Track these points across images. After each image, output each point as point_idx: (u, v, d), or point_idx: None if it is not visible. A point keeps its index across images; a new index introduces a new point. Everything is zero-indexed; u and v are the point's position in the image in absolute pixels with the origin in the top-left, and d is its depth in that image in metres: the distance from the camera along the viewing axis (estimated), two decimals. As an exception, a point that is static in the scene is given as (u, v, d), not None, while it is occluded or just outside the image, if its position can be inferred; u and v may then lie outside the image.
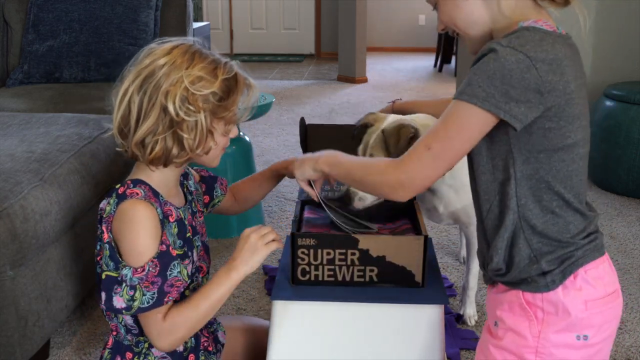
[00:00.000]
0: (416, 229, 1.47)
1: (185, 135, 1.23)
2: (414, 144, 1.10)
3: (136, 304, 1.20)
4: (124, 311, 1.22)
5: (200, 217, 1.45)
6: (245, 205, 1.62)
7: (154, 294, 1.21)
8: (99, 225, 1.28)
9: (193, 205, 1.43)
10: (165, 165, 1.28)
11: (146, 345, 1.36)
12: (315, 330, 1.38)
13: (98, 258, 1.28)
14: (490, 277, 1.19)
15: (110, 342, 1.39)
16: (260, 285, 2.31)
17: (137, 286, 1.20)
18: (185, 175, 1.45)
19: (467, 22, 1.13)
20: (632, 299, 2.25)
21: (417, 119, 1.68)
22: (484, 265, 1.21)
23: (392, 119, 1.67)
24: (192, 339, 1.40)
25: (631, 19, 3.51)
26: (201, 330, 1.43)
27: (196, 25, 3.64)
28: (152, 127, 1.22)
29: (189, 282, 1.30)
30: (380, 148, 1.65)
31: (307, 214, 1.56)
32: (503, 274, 1.14)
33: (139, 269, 1.20)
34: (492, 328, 1.18)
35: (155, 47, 1.27)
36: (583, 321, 1.09)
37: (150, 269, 1.21)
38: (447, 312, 2.11)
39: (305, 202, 1.57)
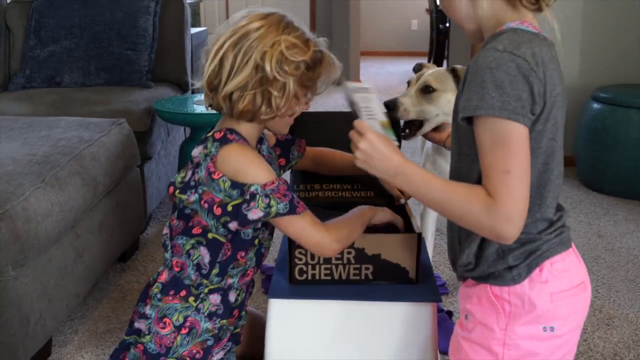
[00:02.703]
0: (408, 228, 1.47)
1: (275, 93, 1.28)
2: (486, 181, 1.03)
3: (273, 209, 1.25)
4: (262, 218, 1.26)
5: None
6: (327, 171, 1.64)
7: (286, 204, 1.26)
8: (195, 171, 1.31)
9: None
10: (252, 120, 1.33)
11: (206, 290, 1.39)
12: (310, 327, 1.38)
13: (202, 202, 1.30)
14: (461, 274, 1.19)
15: (163, 277, 1.41)
16: (257, 284, 2.31)
17: (271, 196, 1.25)
18: (259, 140, 1.47)
19: (459, 17, 1.16)
20: (619, 296, 2.25)
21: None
22: (453, 262, 1.21)
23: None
24: (243, 293, 1.46)
25: (618, 25, 3.52)
26: (245, 296, 1.48)
27: (194, 30, 3.63)
28: (242, 83, 1.28)
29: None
30: (439, 79, 1.79)
31: None
32: (472, 269, 1.14)
33: (268, 183, 1.26)
34: (463, 321, 1.18)
35: (251, 12, 1.32)
36: (549, 313, 1.09)
37: (281, 183, 1.27)
38: (440, 310, 2.12)
39: None
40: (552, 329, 1.10)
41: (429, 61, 7.17)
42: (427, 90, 1.79)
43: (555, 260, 1.11)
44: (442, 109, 1.79)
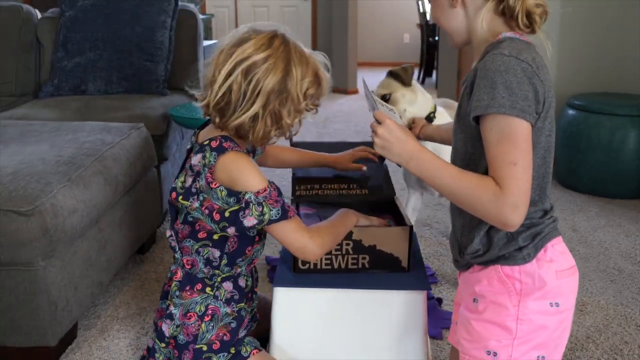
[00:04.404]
0: (400, 222, 1.47)
1: (287, 121, 1.25)
2: (493, 172, 1.03)
3: (266, 217, 1.21)
4: (257, 226, 1.22)
5: None
6: (279, 166, 1.63)
7: (278, 210, 1.22)
8: (197, 179, 1.26)
9: None
10: (262, 144, 1.33)
11: (219, 279, 1.35)
12: (312, 312, 1.38)
13: (203, 208, 1.25)
14: (467, 262, 1.18)
15: (178, 276, 1.36)
16: (263, 274, 2.31)
17: (263, 203, 1.21)
18: None
19: (451, 26, 1.17)
20: (592, 284, 2.25)
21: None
22: (460, 252, 1.20)
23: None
24: (250, 279, 1.41)
25: (590, 39, 3.52)
26: (253, 281, 1.44)
27: (206, 43, 3.63)
28: (253, 114, 1.21)
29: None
30: (384, 86, 1.95)
31: (303, 210, 1.55)
32: (481, 254, 1.13)
33: (260, 191, 1.21)
34: (470, 305, 1.16)
35: (252, 30, 1.24)
36: (555, 289, 1.10)
37: (272, 190, 1.23)
38: (430, 297, 2.11)
39: (299, 199, 1.56)
40: (557, 304, 1.10)
41: (419, 71, 7.18)
42: (385, 99, 1.93)
43: (555, 242, 1.12)
44: (403, 103, 1.94)
